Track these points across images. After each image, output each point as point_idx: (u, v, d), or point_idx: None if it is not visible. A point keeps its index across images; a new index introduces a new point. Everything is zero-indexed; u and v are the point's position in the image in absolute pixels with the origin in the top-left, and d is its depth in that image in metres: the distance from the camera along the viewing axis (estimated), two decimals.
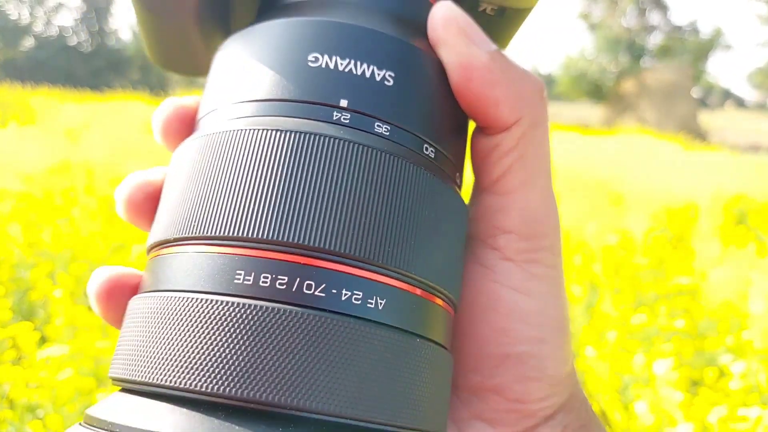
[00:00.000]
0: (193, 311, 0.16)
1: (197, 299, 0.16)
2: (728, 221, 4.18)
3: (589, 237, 3.55)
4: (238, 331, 0.15)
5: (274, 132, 0.17)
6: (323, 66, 0.19)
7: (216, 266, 0.16)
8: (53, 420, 1.64)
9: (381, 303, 0.16)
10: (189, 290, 0.16)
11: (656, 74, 16.58)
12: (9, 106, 8.69)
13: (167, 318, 0.16)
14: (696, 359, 2.53)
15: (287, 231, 0.16)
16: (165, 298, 0.17)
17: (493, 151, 0.22)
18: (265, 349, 0.15)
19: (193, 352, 0.15)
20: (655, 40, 20.23)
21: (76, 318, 2.12)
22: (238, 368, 0.15)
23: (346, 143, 0.17)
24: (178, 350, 0.15)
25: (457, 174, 0.22)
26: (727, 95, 39.00)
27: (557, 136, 10.65)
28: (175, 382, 0.15)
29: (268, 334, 0.15)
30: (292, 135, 0.17)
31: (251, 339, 0.15)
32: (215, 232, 0.16)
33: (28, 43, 18.73)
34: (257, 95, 0.19)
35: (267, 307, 0.15)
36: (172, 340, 0.16)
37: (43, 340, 2.20)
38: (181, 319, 0.16)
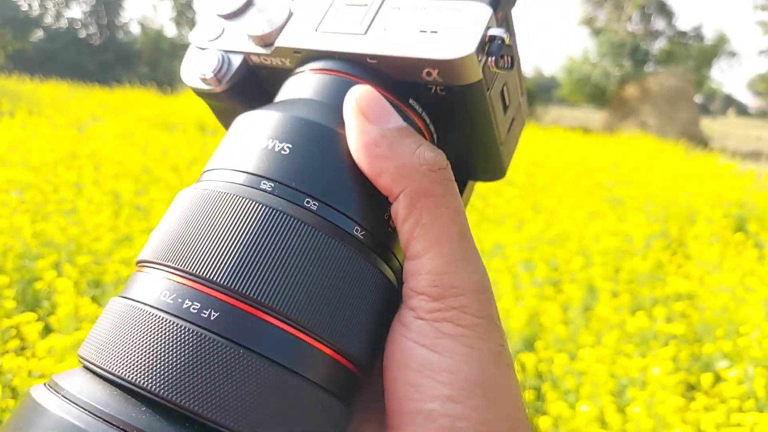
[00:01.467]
0: (146, 322, 0.21)
1: (150, 313, 0.22)
2: (727, 227, 4.19)
3: (588, 240, 3.56)
4: (169, 343, 0.20)
5: (238, 198, 0.23)
6: (274, 149, 0.25)
7: (173, 290, 0.22)
8: None
9: (262, 341, 0.21)
10: (149, 305, 0.22)
11: (659, 80, 16.59)
12: (18, 97, 8.70)
13: (128, 322, 0.22)
14: (693, 364, 2.55)
15: (219, 274, 0.22)
16: (130, 306, 0.22)
17: (396, 219, 0.25)
18: (181, 359, 0.20)
19: (136, 352, 0.20)
20: (659, 45, 20.24)
21: (80, 309, 2.14)
22: (165, 372, 0.20)
23: (280, 213, 0.23)
24: (128, 348, 0.21)
25: (355, 225, 0.25)
26: (729, 102, 38.97)
27: (560, 138, 10.67)
28: (117, 372, 0.20)
29: (185, 350, 0.20)
30: (243, 200, 0.23)
31: (176, 351, 0.20)
32: (180, 267, 0.22)
33: (38, 35, 18.74)
34: (232, 166, 0.25)
35: (197, 331, 0.21)
36: (125, 340, 0.21)
37: (47, 330, 2.21)
38: (136, 325, 0.21)
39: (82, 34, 19.36)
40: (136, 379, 0.20)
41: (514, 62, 0.27)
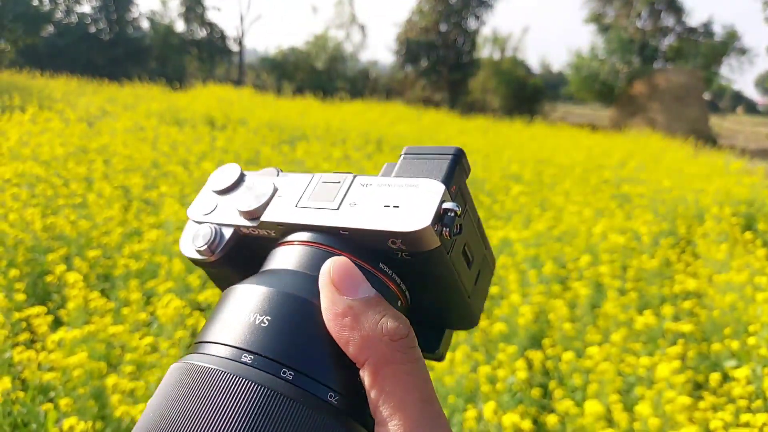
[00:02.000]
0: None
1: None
2: (736, 226, 4.17)
3: (595, 238, 3.55)
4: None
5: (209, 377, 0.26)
6: (255, 322, 0.28)
7: None
8: (65, 402, 1.66)
9: None
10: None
11: (668, 77, 16.49)
12: (29, 92, 8.75)
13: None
14: (701, 362, 2.54)
15: None
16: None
17: (364, 386, 0.26)
18: None
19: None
20: (668, 42, 20.11)
21: (90, 302, 2.15)
22: None
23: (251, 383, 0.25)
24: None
25: (329, 391, 0.27)
26: (738, 99, 38.70)
27: (568, 135, 10.64)
28: None
29: None
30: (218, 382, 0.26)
31: None
32: None
33: (48, 30, 18.78)
34: (219, 339, 0.28)
35: None
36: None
37: (56, 323, 2.22)
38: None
39: (92, 29, 19.39)
40: None
41: (462, 229, 0.31)
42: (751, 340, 2.34)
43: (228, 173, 0.38)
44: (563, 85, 23.04)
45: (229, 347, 0.27)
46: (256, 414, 0.24)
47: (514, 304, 2.53)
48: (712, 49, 19.76)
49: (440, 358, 0.37)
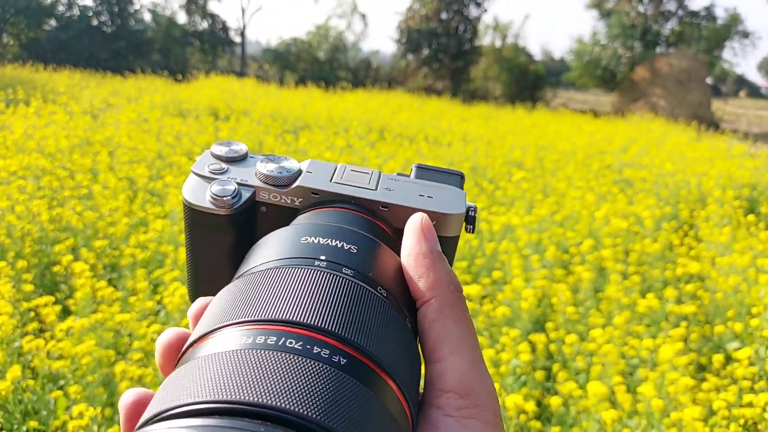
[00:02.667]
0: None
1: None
2: (739, 209, 4.17)
3: (598, 222, 3.56)
4: (259, 366, 0.22)
5: (287, 268, 0.27)
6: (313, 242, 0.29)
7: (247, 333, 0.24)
8: (74, 390, 1.69)
9: (343, 360, 0.22)
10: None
11: (670, 61, 16.39)
12: (33, 86, 8.76)
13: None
14: (704, 345, 2.55)
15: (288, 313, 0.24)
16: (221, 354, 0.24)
17: (423, 322, 0.29)
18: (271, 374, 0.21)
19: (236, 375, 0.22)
20: (670, 26, 19.96)
21: (98, 291, 2.17)
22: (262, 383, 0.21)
23: (322, 271, 0.27)
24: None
25: (406, 317, 0.29)
26: (741, 83, 38.47)
27: (570, 121, 10.61)
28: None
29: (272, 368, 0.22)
30: (298, 269, 0.27)
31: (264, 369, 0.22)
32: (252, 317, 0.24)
33: (51, 23, 18.73)
34: (284, 255, 0.29)
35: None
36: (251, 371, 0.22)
37: (65, 313, 2.25)
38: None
39: (95, 22, 19.32)
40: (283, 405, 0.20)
41: (474, 229, 0.36)
42: (754, 322, 2.36)
43: (235, 145, 0.38)
44: (565, 72, 22.92)
45: (329, 261, 0.28)
46: (351, 300, 0.25)
47: (517, 288, 2.54)
48: (715, 32, 19.61)
49: None
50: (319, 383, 0.21)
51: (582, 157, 5.97)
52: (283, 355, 0.21)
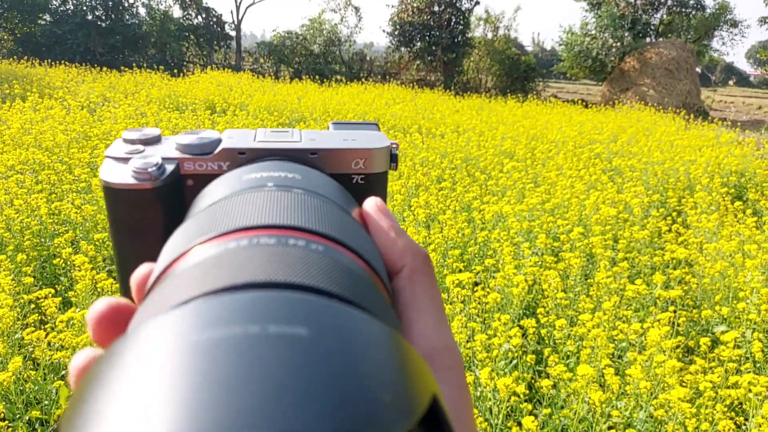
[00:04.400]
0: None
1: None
2: (726, 196, 4.23)
3: (588, 210, 3.61)
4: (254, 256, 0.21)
5: (238, 195, 0.27)
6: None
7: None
8: None
9: (320, 248, 0.23)
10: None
11: (659, 50, 16.46)
12: (29, 81, 8.71)
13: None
14: (691, 328, 2.61)
15: None
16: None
17: (394, 290, 0.29)
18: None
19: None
20: (659, 16, 20.01)
21: (98, 283, 2.20)
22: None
23: (275, 190, 0.27)
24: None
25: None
26: (731, 72, 38.63)
27: (560, 112, 10.66)
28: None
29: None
30: (250, 193, 0.27)
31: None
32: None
33: (45, 18, 18.58)
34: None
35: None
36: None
37: (65, 305, 2.28)
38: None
39: (89, 16, 19.17)
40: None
41: (397, 167, 0.37)
42: (741, 306, 2.41)
43: (147, 130, 0.37)
44: (556, 63, 22.96)
45: (278, 186, 0.28)
46: (315, 204, 0.26)
47: (509, 275, 2.59)
48: (704, 22, 19.69)
49: None
50: (308, 261, 0.21)
51: (572, 147, 6.02)
52: (265, 248, 0.21)
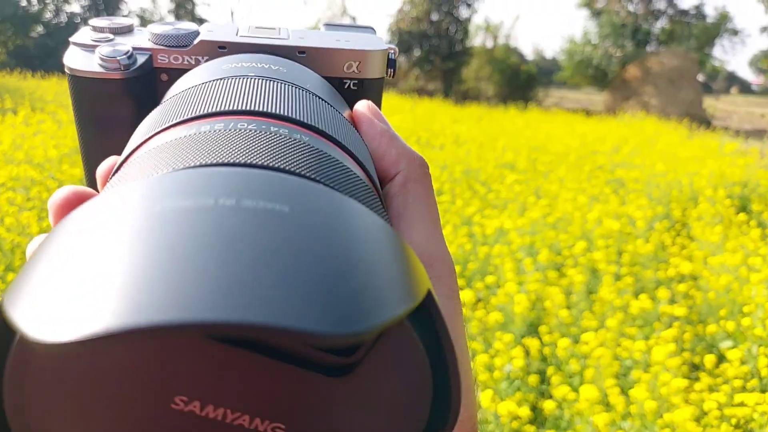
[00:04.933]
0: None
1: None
2: (730, 207, 4.19)
3: (591, 224, 3.57)
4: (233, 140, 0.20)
5: (214, 82, 0.25)
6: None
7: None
8: None
9: (305, 138, 0.21)
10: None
11: (661, 59, 16.47)
12: (20, 94, 8.71)
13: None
14: (696, 344, 2.57)
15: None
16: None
17: (388, 196, 0.28)
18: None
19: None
20: (660, 25, 20.07)
21: None
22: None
23: (257, 78, 0.25)
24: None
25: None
26: (733, 80, 38.69)
27: (562, 121, 10.65)
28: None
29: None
30: (229, 80, 0.24)
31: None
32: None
33: (38, 30, 18.72)
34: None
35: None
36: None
37: None
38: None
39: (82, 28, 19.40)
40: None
41: (395, 73, 0.34)
42: (746, 321, 2.37)
43: (119, 19, 0.33)
44: (557, 71, 23.01)
45: (260, 76, 0.26)
46: (301, 95, 0.24)
47: (510, 292, 2.55)
48: (705, 30, 19.73)
49: None
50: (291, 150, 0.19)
51: (574, 158, 5.99)
52: (243, 133, 0.19)
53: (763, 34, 20.27)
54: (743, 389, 2.04)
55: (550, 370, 2.14)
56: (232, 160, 0.17)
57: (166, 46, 0.31)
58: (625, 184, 5.02)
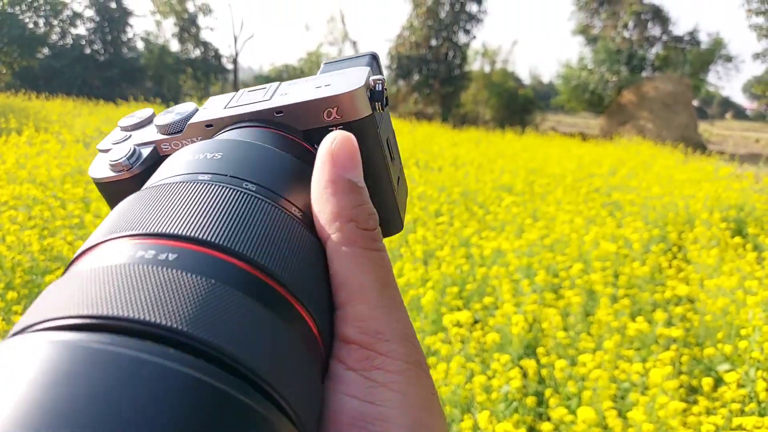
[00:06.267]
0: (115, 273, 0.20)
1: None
2: (726, 231, 4.21)
3: (587, 246, 3.59)
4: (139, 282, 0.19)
5: (173, 185, 0.25)
6: (206, 158, 0.27)
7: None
8: None
9: (247, 279, 0.21)
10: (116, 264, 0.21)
11: (656, 85, 16.65)
12: (25, 114, 8.77)
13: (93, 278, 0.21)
14: (694, 367, 2.56)
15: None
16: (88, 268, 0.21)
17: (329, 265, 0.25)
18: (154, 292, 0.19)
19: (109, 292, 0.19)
20: (655, 51, 20.34)
21: None
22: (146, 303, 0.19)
23: (216, 185, 0.24)
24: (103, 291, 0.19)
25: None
26: (727, 105, 39.06)
27: (558, 145, 10.72)
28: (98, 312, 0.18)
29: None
30: (187, 185, 0.24)
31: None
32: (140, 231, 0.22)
33: (44, 52, 18.93)
34: (170, 173, 0.27)
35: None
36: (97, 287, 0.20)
37: None
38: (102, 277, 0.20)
39: (87, 50, 19.54)
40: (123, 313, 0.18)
41: (388, 102, 0.32)
42: (743, 344, 2.37)
43: (142, 112, 0.36)
44: (553, 96, 23.23)
45: (182, 174, 0.26)
46: (229, 206, 0.23)
47: (508, 313, 2.55)
48: (699, 56, 19.98)
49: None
50: (203, 299, 0.19)
51: (571, 181, 6.03)
52: (162, 270, 0.19)
53: (756, 60, 20.52)
54: (741, 412, 2.03)
55: (547, 392, 2.13)
56: (102, 313, 0.17)
57: (166, 134, 0.33)
58: (621, 207, 5.05)
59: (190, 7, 21.74)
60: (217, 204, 0.23)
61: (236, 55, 23.04)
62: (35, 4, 18.66)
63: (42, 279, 2.68)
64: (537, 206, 4.79)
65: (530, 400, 2.09)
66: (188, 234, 0.21)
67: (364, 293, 0.24)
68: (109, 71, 19.09)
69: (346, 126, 0.31)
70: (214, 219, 0.22)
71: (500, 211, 4.36)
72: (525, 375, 2.25)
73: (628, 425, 1.91)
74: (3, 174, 4.37)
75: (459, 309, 2.77)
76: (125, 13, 20.33)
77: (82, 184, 4.24)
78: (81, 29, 20.13)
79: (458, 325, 2.30)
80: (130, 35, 20.79)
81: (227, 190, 0.24)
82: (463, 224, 4.09)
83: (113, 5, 20.20)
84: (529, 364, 2.23)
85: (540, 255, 3.41)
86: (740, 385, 2.19)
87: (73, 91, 15.29)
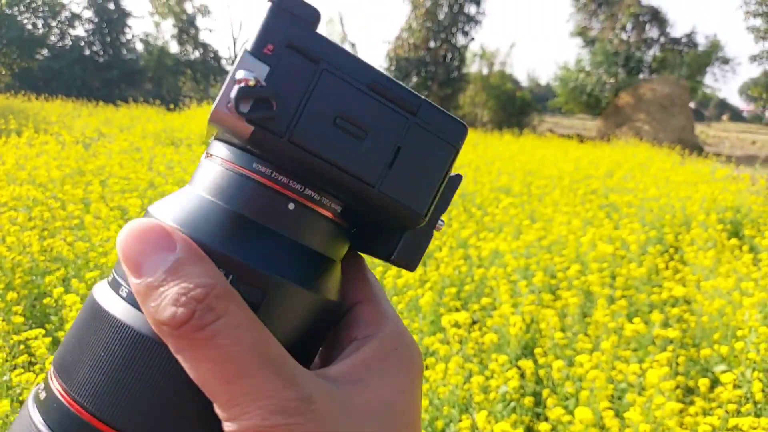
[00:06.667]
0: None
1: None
2: (723, 232, 4.24)
3: (585, 247, 3.60)
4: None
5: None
6: None
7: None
8: None
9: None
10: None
11: (653, 87, 16.69)
12: (25, 115, 8.77)
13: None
14: (690, 368, 2.58)
15: None
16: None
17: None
18: None
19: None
20: (652, 53, 20.40)
21: None
22: None
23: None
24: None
25: None
26: (724, 107, 39.17)
27: (556, 146, 10.74)
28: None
29: None
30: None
31: None
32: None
33: (43, 53, 18.93)
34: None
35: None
36: None
37: (55, 345, 2.24)
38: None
39: (87, 52, 19.54)
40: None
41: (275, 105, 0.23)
42: (739, 345, 2.39)
43: None
44: (551, 98, 23.27)
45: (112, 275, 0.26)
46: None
47: (506, 314, 2.56)
48: (696, 59, 20.05)
49: (406, 266, 0.29)
50: None
51: (568, 183, 6.05)
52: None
53: (753, 62, 20.60)
54: (738, 413, 2.05)
55: (545, 392, 2.15)
56: None
57: None
58: (618, 209, 5.07)
59: (189, 8, 21.76)
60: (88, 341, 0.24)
61: (235, 56, 23.06)
62: (33, 5, 18.67)
63: (42, 280, 2.69)
64: (534, 208, 4.80)
65: (528, 401, 2.10)
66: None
67: (212, 396, 0.22)
68: (108, 72, 19.08)
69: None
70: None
71: (498, 213, 4.38)
72: (523, 375, 2.26)
73: (625, 425, 1.93)
74: (3, 175, 4.37)
75: (457, 310, 2.78)
76: (124, 15, 20.32)
77: (81, 185, 4.24)
78: (80, 30, 20.14)
79: (456, 325, 2.31)
80: (128, 36, 20.79)
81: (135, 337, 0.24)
82: (462, 225, 4.10)
83: (111, 6, 20.20)
84: (527, 364, 2.24)
85: (537, 256, 3.42)
86: (736, 386, 2.20)
87: (72, 92, 15.31)
